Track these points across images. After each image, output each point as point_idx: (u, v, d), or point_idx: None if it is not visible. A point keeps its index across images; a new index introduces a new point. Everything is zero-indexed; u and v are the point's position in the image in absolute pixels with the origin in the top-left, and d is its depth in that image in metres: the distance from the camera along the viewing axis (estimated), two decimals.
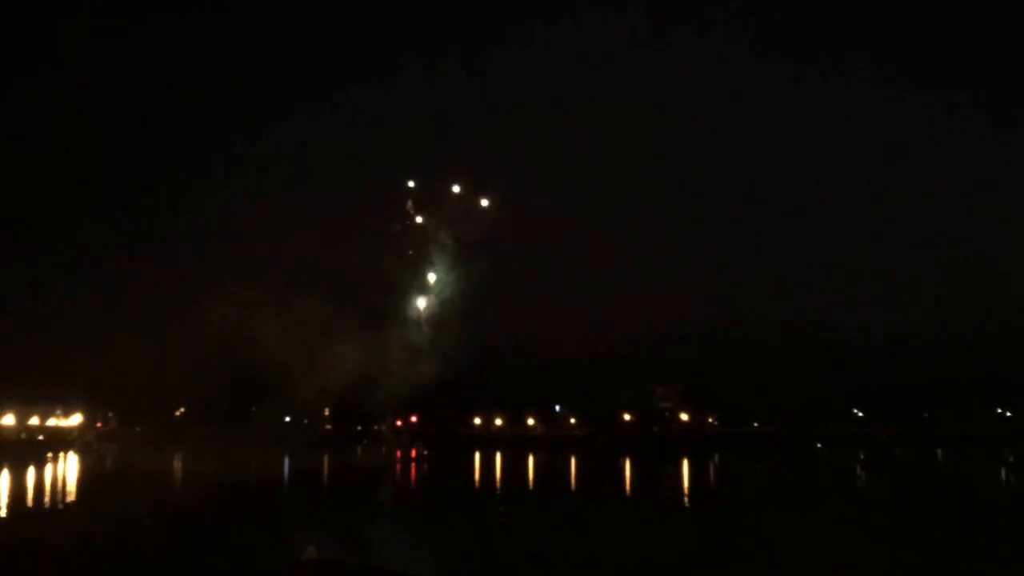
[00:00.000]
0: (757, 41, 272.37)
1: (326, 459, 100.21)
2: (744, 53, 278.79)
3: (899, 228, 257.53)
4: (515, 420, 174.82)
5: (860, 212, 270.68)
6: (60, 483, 66.23)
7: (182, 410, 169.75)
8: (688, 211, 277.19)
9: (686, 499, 57.21)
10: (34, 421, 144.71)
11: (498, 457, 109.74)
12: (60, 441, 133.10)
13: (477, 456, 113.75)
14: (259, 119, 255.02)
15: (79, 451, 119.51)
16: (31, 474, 72.38)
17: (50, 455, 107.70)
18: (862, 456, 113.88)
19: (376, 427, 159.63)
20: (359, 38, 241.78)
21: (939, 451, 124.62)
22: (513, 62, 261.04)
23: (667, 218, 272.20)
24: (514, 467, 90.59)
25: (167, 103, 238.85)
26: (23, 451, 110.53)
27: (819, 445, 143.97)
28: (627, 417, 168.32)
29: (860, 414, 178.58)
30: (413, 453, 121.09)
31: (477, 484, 69.97)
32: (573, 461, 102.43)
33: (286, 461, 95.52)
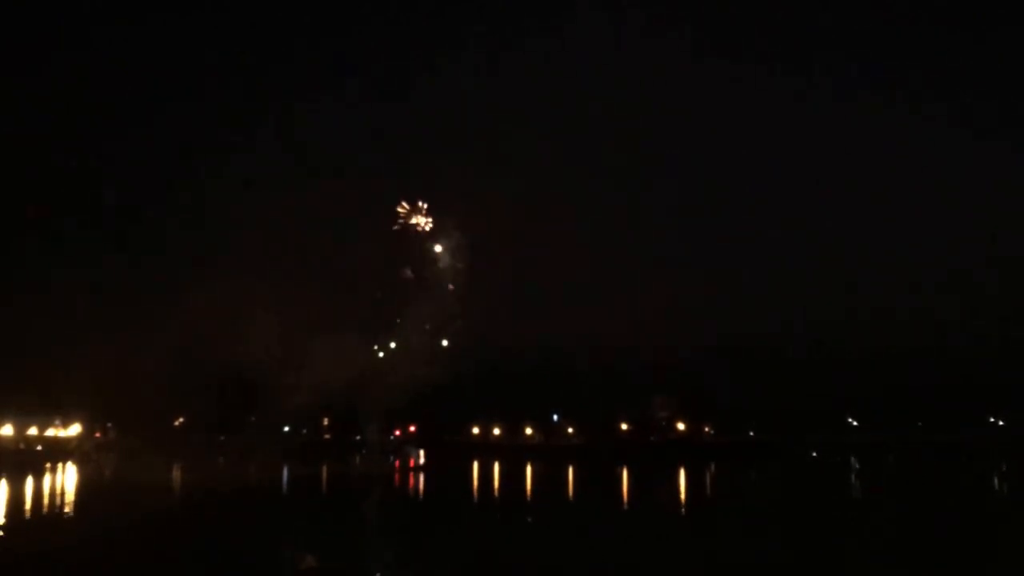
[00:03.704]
0: (755, 43, 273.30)
1: (324, 468, 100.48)
2: (743, 56, 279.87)
3: (896, 235, 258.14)
4: (513, 429, 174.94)
5: (858, 218, 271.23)
6: (58, 493, 66.56)
7: (181, 419, 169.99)
8: (685, 218, 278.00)
9: (682, 509, 57.69)
10: (32, 431, 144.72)
11: (496, 466, 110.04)
12: (59, 451, 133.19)
13: (476, 465, 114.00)
14: (260, 121, 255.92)
15: (77, 461, 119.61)
16: (29, 484, 72.69)
17: (48, 465, 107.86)
18: (857, 465, 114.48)
19: (374, 436, 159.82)
20: (360, 40, 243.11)
21: (932, 459, 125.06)
22: (513, 66, 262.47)
23: (664, 225, 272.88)
24: (512, 476, 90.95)
25: (163, 108, 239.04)
26: (21, 461, 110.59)
27: (814, 453, 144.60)
28: (624, 427, 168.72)
29: (854, 423, 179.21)
30: (412, 463, 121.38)
31: (476, 493, 70.34)
32: (571, 470, 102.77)
33: (284, 471, 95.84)
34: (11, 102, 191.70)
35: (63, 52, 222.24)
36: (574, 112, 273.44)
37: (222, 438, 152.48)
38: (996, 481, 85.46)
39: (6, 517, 47.22)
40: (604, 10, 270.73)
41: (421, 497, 70.72)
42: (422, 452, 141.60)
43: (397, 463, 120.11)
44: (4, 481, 73.15)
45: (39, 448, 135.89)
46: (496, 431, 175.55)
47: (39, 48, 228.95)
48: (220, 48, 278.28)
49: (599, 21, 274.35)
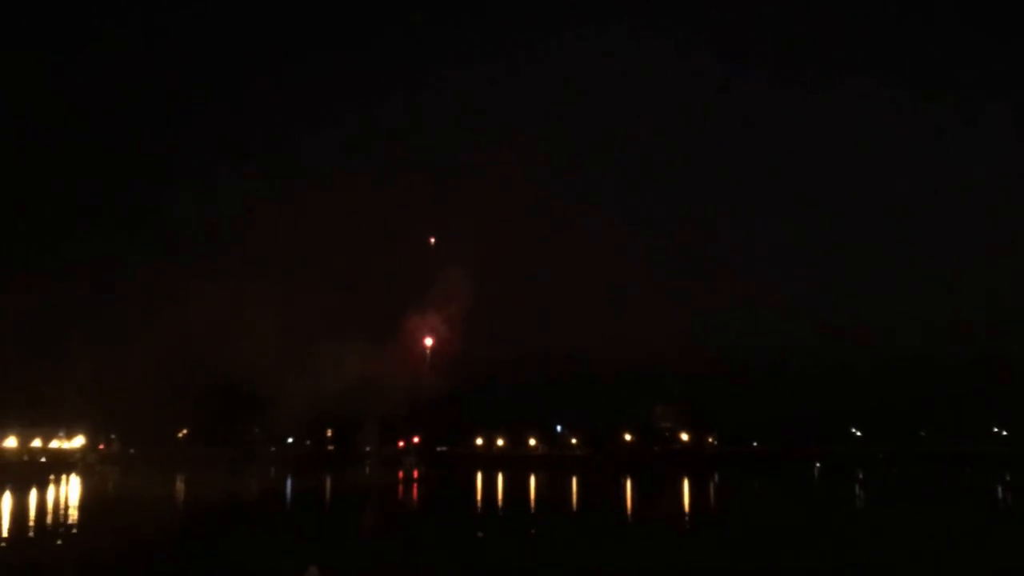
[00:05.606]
0: (756, 43, 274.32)
1: (328, 480, 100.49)
2: (743, 56, 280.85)
3: (896, 244, 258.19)
4: (517, 440, 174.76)
5: (859, 228, 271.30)
6: (62, 505, 66.68)
7: (184, 431, 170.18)
8: (686, 227, 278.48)
9: (685, 521, 57.57)
10: (36, 443, 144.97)
11: (500, 477, 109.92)
12: (62, 463, 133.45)
13: (479, 476, 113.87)
14: (265, 128, 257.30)
15: (81, 473, 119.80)
16: (33, 496, 72.85)
17: (52, 477, 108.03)
18: (860, 475, 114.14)
19: (377, 447, 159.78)
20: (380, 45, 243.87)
21: (936, 469, 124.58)
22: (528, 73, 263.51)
23: (665, 234, 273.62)
24: (516, 488, 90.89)
25: (173, 113, 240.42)
26: (25, 473, 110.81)
27: (817, 464, 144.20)
28: (627, 437, 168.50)
29: (858, 433, 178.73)
30: (415, 473, 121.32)
31: (479, 504, 70.32)
32: (574, 482, 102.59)
33: (288, 482, 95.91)
34: (18, 104, 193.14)
35: (75, 53, 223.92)
36: (572, 122, 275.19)
37: (225, 449, 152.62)
38: (1000, 491, 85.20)
39: (10, 529, 47.37)
40: (603, 12, 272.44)
41: (425, 508, 70.68)
42: (426, 463, 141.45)
43: (401, 474, 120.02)
44: (8, 493, 73.29)
45: (43, 460, 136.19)
46: (500, 442, 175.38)
47: (53, 49, 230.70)
48: (235, 56, 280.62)
49: (598, 23, 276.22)
